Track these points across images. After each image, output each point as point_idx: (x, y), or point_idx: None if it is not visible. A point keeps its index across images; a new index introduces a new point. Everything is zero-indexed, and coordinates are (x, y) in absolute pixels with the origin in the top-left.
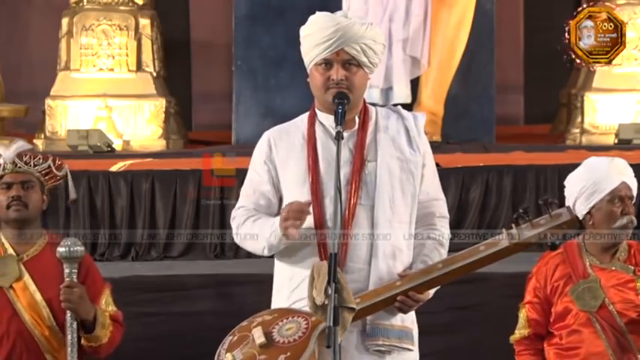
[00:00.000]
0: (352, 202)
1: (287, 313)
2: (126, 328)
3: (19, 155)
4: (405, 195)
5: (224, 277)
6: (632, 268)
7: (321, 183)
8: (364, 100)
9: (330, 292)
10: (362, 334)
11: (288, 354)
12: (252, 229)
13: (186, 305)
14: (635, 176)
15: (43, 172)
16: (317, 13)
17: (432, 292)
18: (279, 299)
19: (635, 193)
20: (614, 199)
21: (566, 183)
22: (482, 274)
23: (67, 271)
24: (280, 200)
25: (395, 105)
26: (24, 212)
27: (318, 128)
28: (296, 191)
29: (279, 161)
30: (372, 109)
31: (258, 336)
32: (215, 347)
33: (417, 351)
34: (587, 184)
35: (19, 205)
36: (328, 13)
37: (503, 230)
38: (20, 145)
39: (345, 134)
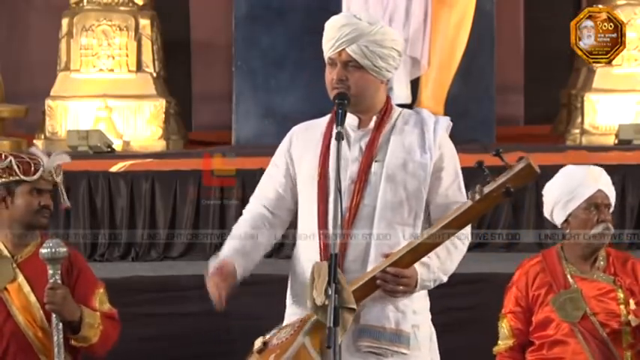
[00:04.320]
0: (355, 201)
1: (291, 323)
2: (126, 329)
3: (57, 167)
4: (409, 197)
5: None
6: (612, 277)
7: (328, 181)
8: (388, 101)
9: (330, 292)
10: (354, 334)
11: (278, 351)
12: (239, 239)
13: (187, 306)
14: (636, 177)
15: (58, 181)
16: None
17: (423, 273)
18: (287, 298)
19: (613, 201)
20: (590, 206)
21: (543, 192)
22: (480, 275)
23: (50, 272)
24: (296, 194)
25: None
26: (48, 220)
27: (335, 126)
28: (307, 187)
29: (296, 156)
30: (396, 110)
31: (256, 344)
32: (215, 347)
33: (421, 355)
34: (563, 192)
35: (48, 214)
36: (341, 14)
37: (469, 194)
38: (62, 157)
39: (360, 133)
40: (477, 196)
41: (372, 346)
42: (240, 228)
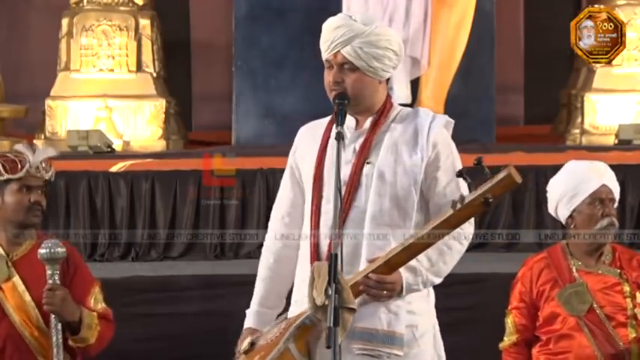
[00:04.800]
0: (346, 204)
1: (280, 322)
2: (126, 329)
3: (43, 161)
4: (399, 199)
5: (224, 277)
6: (618, 271)
7: (322, 183)
8: (387, 101)
9: (330, 292)
10: (347, 336)
11: (262, 353)
12: (257, 282)
13: (187, 306)
14: (636, 177)
15: (48, 177)
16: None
17: (409, 277)
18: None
19: (617, 195)
20: (594, 201)
21: (547, 188)
22: (480, 275)
23: (49, 272)
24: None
25: None
26: (41, 218)
27: (334, 127)
28: (308, 189)
29: (299, 158)
30: (395, 109)
31: (244, 344)
32: (215, 347)
33: (420, 354)
34: (567, 188)
35: (40, 211)
36: (341, 14)
37: (451, 201)
38: (48, 151)
39: (355, 134)
40: (458, 205)
41: (365, 348)
42: (268, 261)
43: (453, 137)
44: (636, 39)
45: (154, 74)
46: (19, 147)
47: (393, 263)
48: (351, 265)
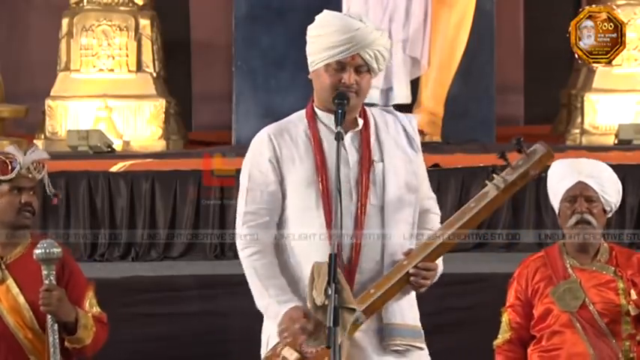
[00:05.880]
0: (362, 201)
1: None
2: (126, 329)
3: (33, 162)
4: (411, 195)
5: (224, 277)
6: (613, 268)
7: (330, 183)
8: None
9: (330, 292)
10: (378, 334)
11: (326, 359)
12: (256, 280)
13: (186, 306)
14: (636, 177)
15: (41, 178)
16: (329, 13)
17: (441, 266)
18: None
19: (601, 192)
20: (567, 199)
21: None
22: (479, 275)
23: (44, 272)
24: (284, 197)
25: (395, 106)
26: (32, 219)
27: (321, 128)
28: (302, 192)
29: (284, 160)
30: (368, 109)
31: (290, 354)
32: (216, 348)
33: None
34: (551, 189)
35: (31, 212)
36: (342, 16)
37: (487, 182)
38: (39, 153)
39: (350, 134)
40: (502, 185)
41: (401, 343)
42: (265, 258)
43: (453, 137)
44: (636, 39)
45: (154, 74)
46: (9, 148)
47: (436, 253)
48: (377, 263)
